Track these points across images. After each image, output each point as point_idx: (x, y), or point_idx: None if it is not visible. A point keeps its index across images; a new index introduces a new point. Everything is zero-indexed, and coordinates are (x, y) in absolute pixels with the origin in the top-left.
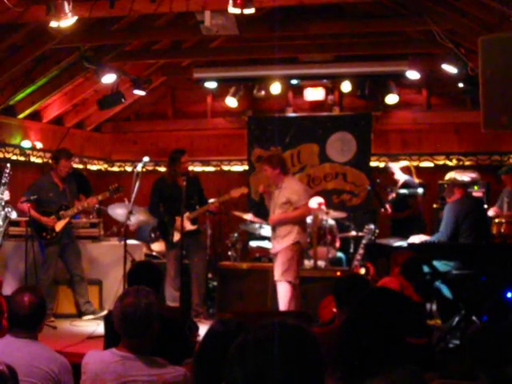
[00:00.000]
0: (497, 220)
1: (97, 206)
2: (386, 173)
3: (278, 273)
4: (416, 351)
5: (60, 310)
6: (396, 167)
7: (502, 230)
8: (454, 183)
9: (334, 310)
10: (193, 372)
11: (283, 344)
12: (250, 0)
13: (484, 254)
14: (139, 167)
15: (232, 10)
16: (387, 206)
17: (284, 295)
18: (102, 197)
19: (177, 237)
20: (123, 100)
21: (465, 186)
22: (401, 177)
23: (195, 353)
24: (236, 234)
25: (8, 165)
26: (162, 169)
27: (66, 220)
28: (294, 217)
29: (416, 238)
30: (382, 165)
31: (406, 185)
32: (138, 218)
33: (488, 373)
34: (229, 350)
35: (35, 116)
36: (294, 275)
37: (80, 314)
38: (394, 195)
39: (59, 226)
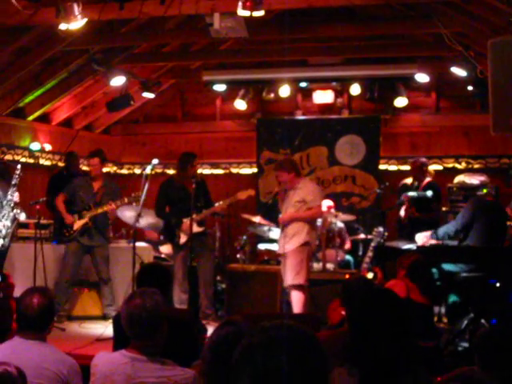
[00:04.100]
0: (508, 223)
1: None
2: (415, 166)
3: (289, 277)
4: (425, 354)
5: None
6: (428, 163)
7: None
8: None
9: (343, 312)
10: (201, 373)
11: (289, 345)
12: (260, 2)
13: (493, 257)
14: (148, 170)
15: (241, 12)
16: (405, 206)
17: (298, 300)
18: (121, 203)
19: (183, 239)
20: (132, 102)
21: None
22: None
23: (203, 353)
24: (245, 237)
25: (18, 166)
26: (171, 171)
27: (84, 220)
28: (306, 216)
29: (422, 236)
30: (391, 168)
31: (430, 187)
32: (147, 220)
33: (497, 376)
34: (235, 351)
35: (44, 118)
36: (304, 278)
37: (103, 317)
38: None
39: (77, 224)
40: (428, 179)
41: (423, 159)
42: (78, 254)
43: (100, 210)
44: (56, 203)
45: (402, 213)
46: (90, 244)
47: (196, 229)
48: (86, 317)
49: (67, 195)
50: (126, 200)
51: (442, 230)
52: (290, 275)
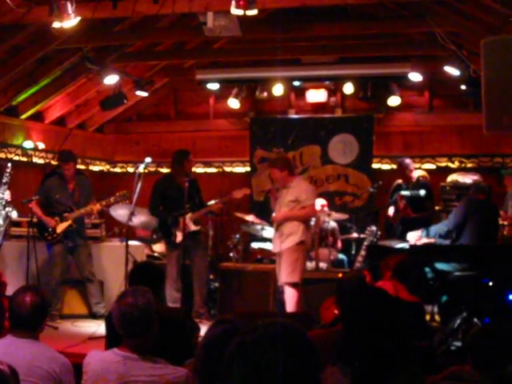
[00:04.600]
0: (499, 222)
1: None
2: (401, 168)
3: (284, 275)
4: (418, 353)
5: (70, 311)
6: (412, 164)
7: (505, 233)
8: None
9: (336, 311)
10: (194, 371)
11: (281, 343)
12: (253, 1)
13: (486, 256)
14: (141, 168)
15: (235, 11)
16: (400, 206)
17: (292, 298)
18: (106, 203)
19: (179, 237)
20: (125, 101)
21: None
22: (415, 175)
23: (196, 352)
24: (238, 236)
25: (9, 164)
26: (165, 170)
27: (68, 222)
28: (300, 215)
29: (415, 235)
30: (384, 167)
31: (422, 186)
32: (140, 219)
33: (489, 375)
34: (226, 350)
35: (38, 116)
36: (299, 276)
37: (92, 315)
38: (407, 194)
39: (60, 227)
40: (416, 176)
41: (407, 160)
42: (63, 255)
43: (84, 211)
44: (31, 208)
45: (391, 212)
46: (73, 245)
47: (192, 227)
48: (72, 315)
49: (41, 198)
50: (111, 199)
51: (433, 229)
52: (285, 273)
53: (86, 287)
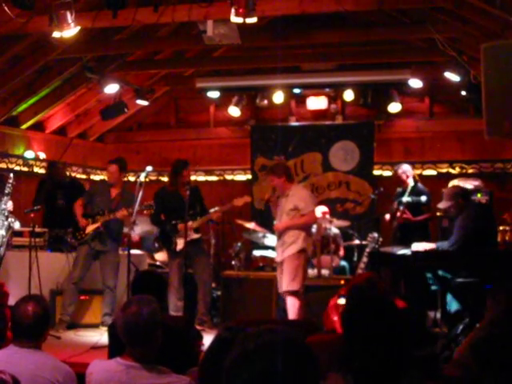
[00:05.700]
0: (501, 227)
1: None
2: (397, 172)
3: (284, 283)
4: (421, 360)
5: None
6: (410, 170)
7: (507, 238)
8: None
9: (335, 318)
10: (198, 380)
11: (283, 349)
12: (253, 9)
13: (488, 262)
14: (142, 177)
15: (234, 19)
16: (403, 210)
17: (293, 305)
18: (132, 210)
19: (180, 245)
20: (126, 110)
21: (466, 194)
22: (411, 181)
23: (202, 360)
24: (239, 244)
25: (11, 175)
26: (165, 178)
27: (97, 224)
28: (300, 223)
29: (419, 245)
30: (385, 173)
31: (416, 191)
32: (142, 228)
33: (493, 378)
34: (228, 358)
35: (38, 126)
36: (300, 284)
37: (100, 324)
38: (407, 200)
39: (89, 228)
40: (411, 183)
41: (404, 166)
42: (87, 257)
43: (112, 216)
44: (74, 207)
45: (387, 218)
46: (100, 249)
47: (193, 235)
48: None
49: (85, 200)
50: (138, 208)
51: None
52: (286, 281)
53: (103, 295)
